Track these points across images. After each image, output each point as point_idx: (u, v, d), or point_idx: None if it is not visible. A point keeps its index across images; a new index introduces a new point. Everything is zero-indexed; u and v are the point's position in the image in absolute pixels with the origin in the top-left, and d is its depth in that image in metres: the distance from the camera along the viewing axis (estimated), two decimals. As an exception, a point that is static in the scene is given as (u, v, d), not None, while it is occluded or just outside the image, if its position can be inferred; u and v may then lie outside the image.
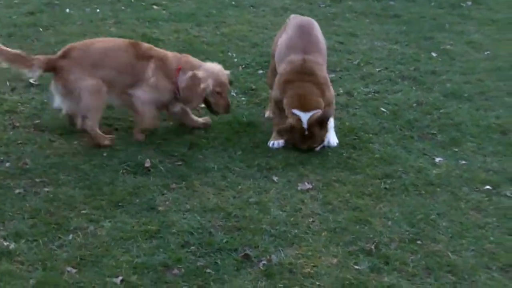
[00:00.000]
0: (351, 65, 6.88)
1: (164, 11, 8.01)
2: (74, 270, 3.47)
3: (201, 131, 5.06)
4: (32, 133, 4.90)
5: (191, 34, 7.26)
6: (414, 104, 5.77)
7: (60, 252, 3.62)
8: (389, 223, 4.04)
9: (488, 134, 5.24)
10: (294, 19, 5.46)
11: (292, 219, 4.06)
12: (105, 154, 4.60)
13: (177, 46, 6.66)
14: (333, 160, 4.80)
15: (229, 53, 6.92)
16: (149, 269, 3.51)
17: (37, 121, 5.06)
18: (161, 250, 3.67)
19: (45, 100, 5.34)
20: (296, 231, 3.94)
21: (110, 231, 3.80)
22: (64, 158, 4.57)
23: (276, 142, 4.94)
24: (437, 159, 4.81)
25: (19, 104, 5.33)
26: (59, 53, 4.82)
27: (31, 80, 5.47)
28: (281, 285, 3.46)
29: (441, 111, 5.65)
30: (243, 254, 3.68)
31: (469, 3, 9.04)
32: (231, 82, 5.22)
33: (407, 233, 3.94)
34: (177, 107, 5.03)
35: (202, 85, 4.82)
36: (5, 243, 3.64)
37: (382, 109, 5.71)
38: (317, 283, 3.49)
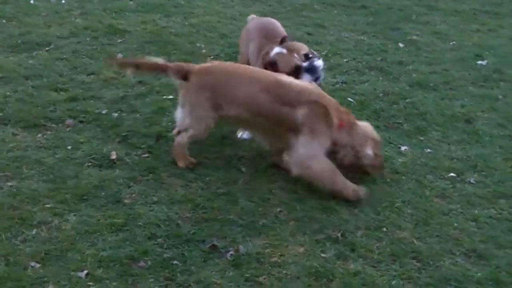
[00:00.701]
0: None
1: (131, 2, 7.95)
2: (38, 265, 3.43)
3: (169, 123, 5.03)
4: (-5, 127, 4.83)
5: (159, 25, 7.21)
6: (381, 94, 5.81)
7: (24, 247, 3.56)
8: (355, 211, 4.06)
9: (452, 123, 5.30)
10: (255, 24, 5.48)
11: (260, 209, 4.07)
12: (69, 148, 4.53)
13: (144, 38, 6.62)
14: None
15: (198, 44, 6.89)
16: (115, 262, 3.48)
17: (0, 114, 4.97)
18: (127, 243, 3.64)
19: (8, 93, 5.25)
20: (264, 221, 3.95)
21: (75, 225, 3.76)
22: (28, 151, 4.48)
23: (245, 134, 4.90)
24: (403, 148, 4.86)
25: (-19, 97, 5.25)
26: (201, 66, 4.57)
27: None
28: (249, 275, 3.47)
29: (407, 100, 5.70)
30: (210, 245, 3.68)
31: (436, -6, 9.15)
32: None
33: (373, 220, 3.97)
34: None
35: (365, 161, 4.33)
36: (-32, 239, 3.60)
37: (350, 99, 5.74)
38: (284, 271, 3.50)
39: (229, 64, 4.74)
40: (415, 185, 4.38)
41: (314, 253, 3.66)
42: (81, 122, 4.94)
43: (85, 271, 3.40)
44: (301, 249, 3.70)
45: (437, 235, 3.84)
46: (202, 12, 7.82)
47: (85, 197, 4.02)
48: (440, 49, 7.14)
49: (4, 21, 6.95)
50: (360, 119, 5.21)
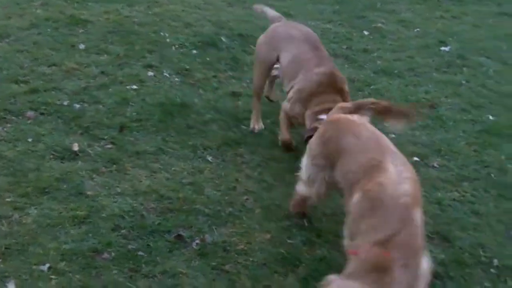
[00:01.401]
0: (284, 44, 6.88)
1: (93, -8, 7.82)
2: (-1, 260, 3.37)
3: (133, 113, 4.97)
4: (-46, 121, 4.71)
5: (122, 15, 7.09)
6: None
7: (-16, 242, 3.50)
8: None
9: (417, 108, 5.33)
10: (292, 30, 4.84)
11: (226, 198, 4.05)
12: (30, 140, 4.43)
13: (107, 27, 6.52)
14: (268, 139, 4.80)
15: (162, 33, 6.81)
16: (77, 255, 3.44)
17: (-40, 108, 4.86)
18: (90, 235, 3.59)
19: (-32, 86, 5.14)
20: (230, 209, 3.94)
21: (36, 218, 3.68)
22: (-12, 145, 4.40)
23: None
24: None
25: None
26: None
27: None
28: (215, 263, 3.46)
29: (372, 87, 5.73)
30: (176, 235, 3.65)
31: (400, -18, 9.18)
32: None
33: (339, 206, 3.94)
34: None
35: None
36: None
37: (316, 87, 5.74)
38: (251, 259, 3.50)
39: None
40: (380, 171, 4.40)
41: (281, 239, 3.66)
42: (42, 114, 4.83)
43: (47, 265, 3.34)
44: (268, 236, 3.69)
45: (402, 219, 3.86)
46: (165, 1, 7.72)
47: (46, 190, 3.94)
48: (405, 37, 7.18)
49: (-39, 13, 6.80)
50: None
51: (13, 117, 4.71)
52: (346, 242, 3.10)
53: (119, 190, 4.04)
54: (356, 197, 3.07)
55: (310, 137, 3.86)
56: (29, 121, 4.68)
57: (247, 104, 5.30)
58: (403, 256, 2.72)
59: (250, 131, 4.85)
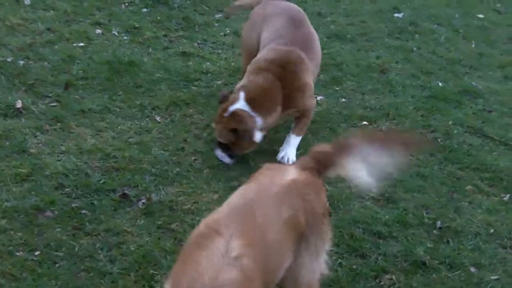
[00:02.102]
0: (238, 6, 6.80)
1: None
2: None
3: (79, 71, 4.84)
4: None
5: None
6: (298, 44, 5.79)
7: None
8: (271, 158, 4.05)
9: (367, 73, 5.36)
10: (278, 4, 4.62)
11: (174, 158, 4.01)
12: (-29, 96, 4.31)
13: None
14: (218, 100, 4.74)
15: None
16: (19, 212, 3.36)
17: None
18: (33, 193, 3.52)
19: None
20: (178, 169, 3.90)
21: (-24, 176, 3.59)
22: None
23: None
24: (319, 98, 4.87)
25: None
26: None
27: None
28: (161, 222, 3.43)
29: (324, 51, 5.67)
30: (121, 194, 3.61)
31: None
32: None
33: (287, 167, 3.98)
34: None
35: None
36: None
37: (268, 49, 5.69)
38: (197, 218, 3.47)
39: None
40: (329, 133, 4.42)
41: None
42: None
43: (-13, 222, 3.27)
44: (215, 196, 3.68)
45: (348, 180, 3.89)
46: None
47: (-12, 147, 3.84)
48: (358, 1, 7.16)
49: None
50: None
51: (-47, 73, 4.55)
52: None
53: (63, 148, 3.95)
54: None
55: (222, 101, 4.03)
56: (-30, 77, 4.53)
57: (198, 65, 5.24)
58: None
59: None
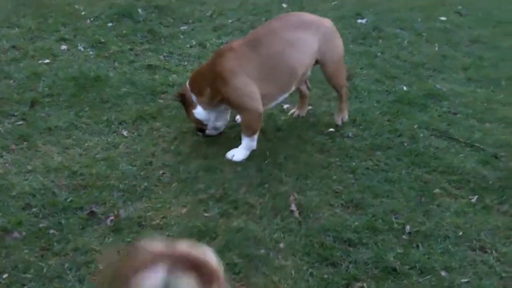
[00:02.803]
0: (203, 16, 6.84)
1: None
2: None
3: (45, 88, 4.80)
4: None
5: (34, -12, 6.84)
6: (264, 53, 5.81)
7: None
8: (239, 169, 4.06)
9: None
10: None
11: (142, 172, 3.99)
12: None
13: (16, 0, 6.27)
14: (184, 112, 4.73)
15: (76, 6, 6.63)
16: (-14, 234, 3.32)
17: None
18: (-1, 214, 3.48)
19: None
20: (146, 184, 3.88)
21: None
22: None
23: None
24: (285, 106, 4.89)
25: None
26: None
27: None
28: (129, 239, 3.39)
29: (289, 59, 5.73)
30: (88, 211, 3.57)
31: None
32: None
33: (256, 177, 3.98)
34: None
35: None
36: None
37: (233, 59, 5.71)
38: (167, 233, 3.46)
39: None
40: (296, 141, 4.43)
41: (197, 213, 3.64)
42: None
43: (-47, 246, 3.21)
44: (184, 210, 3.66)
45: (317, 188, 3.91)
46: (80, -27, 7.50)
47: (-48, 169, 3.79)
48: (322, 8, 7.22)
49: None
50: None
51: None
52: None
53: (30, 167, 3.92)
54: None
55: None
56: None
57: (164, 77, 5.23)
58: None
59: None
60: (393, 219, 3.67)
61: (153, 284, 1.62)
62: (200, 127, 4.40)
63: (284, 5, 7.24)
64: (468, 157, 4.34)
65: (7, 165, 3.91)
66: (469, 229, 3.63)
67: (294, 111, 4.81)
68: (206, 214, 3.63)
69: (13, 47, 5.39)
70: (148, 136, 4.40)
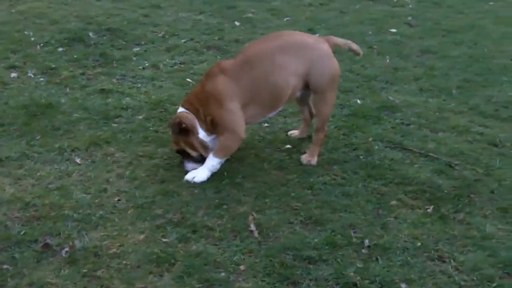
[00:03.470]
0: (156, 38, 6.82)
1: None
2: None
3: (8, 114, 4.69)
4: None
5: (-19, 15, 6.73)
6: (218, 72, 5.80)
7: None
8: (196, 192, 4.02)
9: (288, 96, 5.40)
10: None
11: (96, 200, 3.91)
12: None
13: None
14: (140, 135, 4.69)
15: (26, 32, 6.54)
16: None
17: None
18: (-51, 251, 3.36)
19: None
20: (101, 212, 3.80)
21: None
22: None
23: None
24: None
25: None
26: None
27: None
28: (86, 270, 3.31)
29: (244, 77, 5.74)
30: (43, 244, 3.48)
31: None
32: None
33: (214, 199, 3.95)
34: None
35: None
36: None
37: (188, 79, 5.71)
38: (124, 262, 3.39)
39: None
40: (254, 160, 4.42)
41: (155, 239, 3.58)
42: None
43: None
44: (142, 237, 3.60)
45: (276, 206, 3.89)
46: (30, -2, 7.42)
47: None
48: (275, 25, 7.28)
49: None
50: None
51: None
52: None
53: (-20, 201, 3.81)
54: None
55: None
56: None
57: (118, 101, 5.18)
58: None
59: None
60: (352, 234, 3.68)
61: None
62: (199, 154, 4.24)
63: (237, 23, 7.25)
64: (423, 167, 4.40)
65: (-44, 199, 3.80)
66: (427, 239, 3.66)
67: (294, 132, 4.83)
68: (164, 240, 3.57)
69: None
70: (102, 162, 4.33)
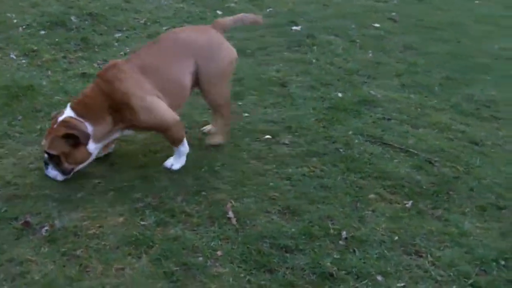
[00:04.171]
0: (137, 24, 6.81)
1: None
2: None
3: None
4: None
5: (-39, -6, 6.65)
6: (200, 61, 5.83)
7: None
8: (175, 177, 4.05)
9: (268, 87, 5.45)
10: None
11: (77, 182, 3.93)
12: None
13: None
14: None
15: (8, 14, 6.47)
16: None
17: None
18: None
19: None
20: (81, 193, 3.82)
21: None
22: None
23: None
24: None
25: None
26: None
27: None
28: (65, 249, 3.34)
29: (225, 66, 5.76)
30: (23, 221, 3.50)
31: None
32: None
33: (192, 185, 3.98)
34: None
35: None
36: None
37: (169, 67, 5.70)
38: (103, 242, 3.42)
39: None
40: (233, 149, 4.46)
41: (134, 221, 3.61)
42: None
43: None
44: (121, 219, 3.63)
45: (253, 195, 3.93)
46: (11, -21, 7.33)
47: None
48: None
49: None
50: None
51: None
52: None
53: (-43, 182, 3.81)
54: None
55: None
56: None
57: (99, 85, 5.16)
58: None
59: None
60: (330, 225, 3.72)
61: None
62: (73, 167, 3.93)
63: (219, 12, 7.26)
64: (402, 162, 4.45)
65: None
66: (404, 234, 3.71)
67: (207, 127, 4.69)
68: (142, 223, 3.60)
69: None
70: (83, 145, 4.33)
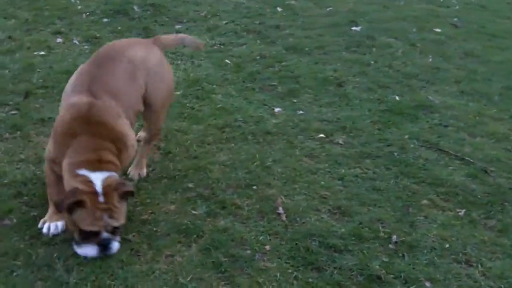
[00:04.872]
0: (198, 17, 6.88)
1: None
2: None
3: (39, 80, 4.80)
4: None
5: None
6: (257, 57, 5.88)
7: None
8: (227, 170, 4.10)
9: (324, 86, 5.44)
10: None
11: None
12: None
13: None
14: (176, 111, 4.77)
15: (72, 0, 6.63)
16: (-25, 220, 3.34)
17: None
18: (-10, 201, 3.50)
19: None
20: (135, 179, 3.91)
21: None
22: None
23: (53, 225, 3.38)
24: (276, 109, 4.94)
25: None
26: None
27: None
28: (119, 234, 3.43)
29: (282, 64, 5.80)
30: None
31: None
32: None
33: (244, 179, 4.01)
34: None
35: None
36: None
37: (227, 61, 5.77)
38: (154, 228, 3.49)
39: None
40: (286, 145, 4.47)
41: (185, 210, 3.67)
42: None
43: None
44: (172, 207, 3.69)
45: (304, 193, 3.94)
46: (78, -33, 7.51)
47: None
48: (316, 14, 7.29)
49: None
50: (236, 81, 5.35)
51: None
52: None
53: (22, 156, 3.96)
54: None
55: (71, 206, 3.10)
56: None
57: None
58: None
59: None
60: (380, 228, 3.69)
61: None
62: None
63: (279, 9, 7.28)
64: (457, 170, 4.37)
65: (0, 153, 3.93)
66: (455, 242, 3.64)
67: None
68: (193, 212, 3.66)
69: (9, 37, 5.41)
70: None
